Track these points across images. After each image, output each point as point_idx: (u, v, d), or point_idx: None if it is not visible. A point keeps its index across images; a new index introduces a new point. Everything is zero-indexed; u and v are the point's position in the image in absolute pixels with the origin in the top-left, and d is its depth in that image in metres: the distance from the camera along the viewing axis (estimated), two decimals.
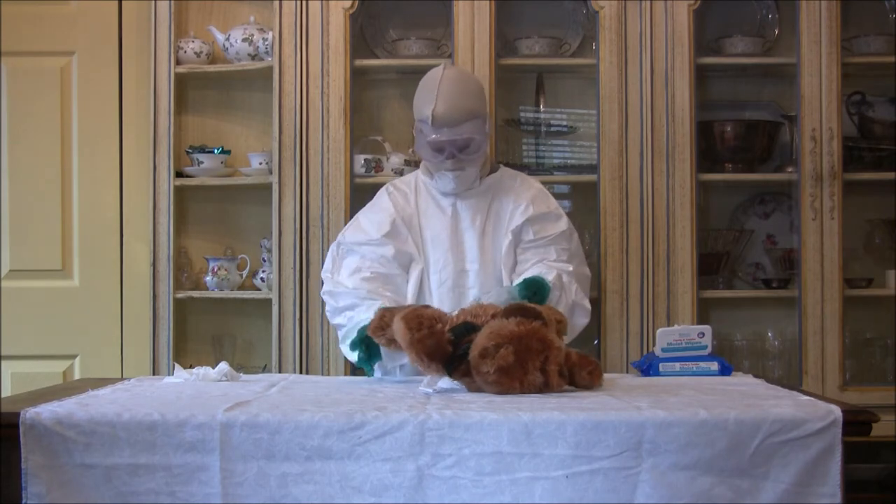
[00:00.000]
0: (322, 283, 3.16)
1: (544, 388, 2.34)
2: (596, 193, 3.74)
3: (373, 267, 3.02)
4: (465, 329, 2.39)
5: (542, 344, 2.34)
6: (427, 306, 2.58)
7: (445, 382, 2.44)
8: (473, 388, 2.38)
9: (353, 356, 2.87)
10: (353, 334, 2.86)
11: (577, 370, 2.41)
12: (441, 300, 3.03)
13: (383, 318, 2.53)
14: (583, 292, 3.08)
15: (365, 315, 2.80)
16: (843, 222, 3.70)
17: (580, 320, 3.05)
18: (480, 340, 2.34)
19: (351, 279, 3.01)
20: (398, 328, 2.40)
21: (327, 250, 3.69)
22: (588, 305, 3.08)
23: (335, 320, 3.05)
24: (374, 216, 3.11)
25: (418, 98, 3.04)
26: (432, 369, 2.39)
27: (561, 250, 3.07)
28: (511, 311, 2.41)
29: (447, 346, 2.37)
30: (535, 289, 2.90)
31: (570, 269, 3.04)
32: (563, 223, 3.11)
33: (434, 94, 2.96)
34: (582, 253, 3.21)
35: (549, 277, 2.96)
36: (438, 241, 3.08)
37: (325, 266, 3.16)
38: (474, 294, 3.00)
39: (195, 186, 3.94)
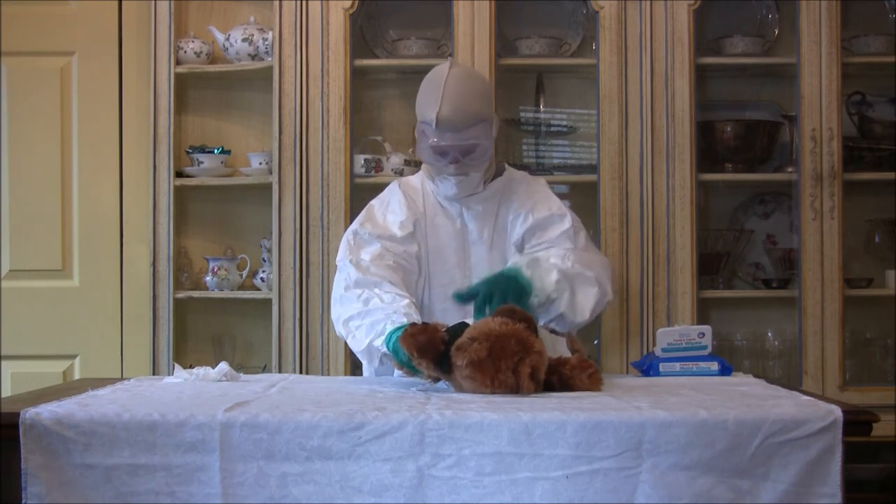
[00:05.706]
0: (337, 271, 2.83)
1: (516, 389, 2.30)
2: (596, 193, 3.74)
3: (397, 259, 2.80)
4: (462, 328, 2.39)
5: (521, 345, 2.30)
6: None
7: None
8: (457, 387, 2.39)
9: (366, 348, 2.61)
10: (380, 333, 2.54)
11: (577, 373, 2.37)
12: (444, 316, 2.79)
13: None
14: (594, 271, 2.73)
15: (390, 322, 2.54)
16: (843, 222, 3.70)
17: (585, 290, 2.68)
18: (462, 336, 2.34)
19: (374, 264, 2.76)
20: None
21: (327, 250, 3.72)
22: (592, 276, 2.71)
23: (351, 292, 2.71)
24: (393, 215, 2.88)
25: (421, 99, 2.83)
26: (423, 366, 2.36)
27: (565, 250, 2.79)
28: (501, 312, 2.39)
29: (440, 345, 2.34)
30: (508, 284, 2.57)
31: (571, 253, 2.74)
32: (567, 222, 2.88)
33: (439, 95, 2.74)
34: (593, 246, 2.97)
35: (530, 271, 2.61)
36: (444, 254, 2.88)
37: (339, 255, 2.85)
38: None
39: (195, 186, 3.94)
